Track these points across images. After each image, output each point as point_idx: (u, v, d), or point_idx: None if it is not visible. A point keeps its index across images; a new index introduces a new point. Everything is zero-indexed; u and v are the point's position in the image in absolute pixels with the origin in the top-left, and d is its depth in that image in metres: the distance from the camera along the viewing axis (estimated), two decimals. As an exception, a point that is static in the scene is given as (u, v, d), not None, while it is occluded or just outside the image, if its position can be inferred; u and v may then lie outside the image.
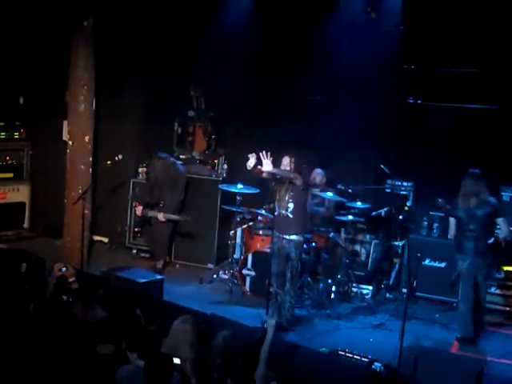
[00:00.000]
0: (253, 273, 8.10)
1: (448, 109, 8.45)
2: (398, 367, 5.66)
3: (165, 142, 9.72)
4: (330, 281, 8.25)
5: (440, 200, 7.44)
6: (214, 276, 8.79)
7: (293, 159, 7.26)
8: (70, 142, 9.06)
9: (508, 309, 7.96)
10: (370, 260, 8.76)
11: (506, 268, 7.89)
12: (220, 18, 9.00)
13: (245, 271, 8.15)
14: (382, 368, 5.39)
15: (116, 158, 8.59)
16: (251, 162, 6.99)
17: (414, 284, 7.73)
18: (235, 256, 8.78)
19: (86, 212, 8.75)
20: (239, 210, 8.57)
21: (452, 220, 7.30)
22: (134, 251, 9.77)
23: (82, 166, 9.02)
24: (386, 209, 8.61)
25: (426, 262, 8.26)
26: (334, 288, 8.19)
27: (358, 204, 8.37)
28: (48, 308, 5.55)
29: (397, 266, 8.61)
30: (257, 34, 8.92)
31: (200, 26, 9.21)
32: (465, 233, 7.06)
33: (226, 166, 9.55)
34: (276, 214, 7.32)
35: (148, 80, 9.85)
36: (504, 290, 7.97)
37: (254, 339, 5.31)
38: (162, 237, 8.98)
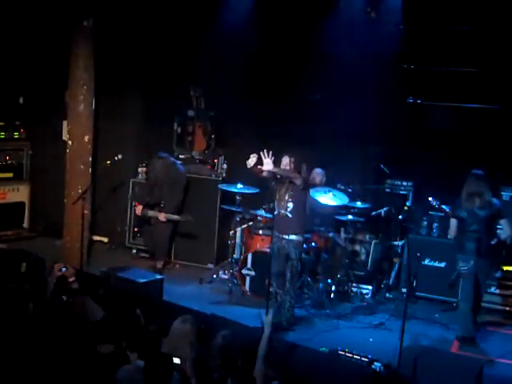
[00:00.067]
0: (253, 273, 8.10)
1: (448, 109, 8.45)
2: (398, 367, 5.66)
3: (164, 142, 9.72)
4: (329, 281, 8.25)
5: (431, 199, 7.46)
6: (214, 276, 8.79)
7: (292, 159, 7.26)
8: (70, 142, 9.06)
9: (507, 308, 7.96)
10: (369, 260, 8.76)
11: (505, 268, 7.89)
12: (220, 17, 9.00)
13: (245, 271, 8.15)
14: (382, 368, 5.39)
15: (116, 158, 8.59)
16: (252, 160, 7.00)
17: (414, 284, 7.73)
18: (235, 256, 8.78)
19: (86, 212, 8.75)
20: (239, 210, 8.57)
21: (453, 221, 7.29)
22: (134, 251, 9.77)
23: (82, 166, 9.02)
24: (385, 209, 8.61)
25: (426, 261, 8.27)
26: (333, 288, 8.19)
27: (358, 204, 8.38)
28: (48, 308, 5.54)
29: (397, 265, 8.61)
30: (257, 34, 8.92)
31: (200, 25, 9.22)
32: (467, 233, 7.05)
33: (225, 166, 9.55)
34: (275, 213, 7.32)
35: (148, 80, 9.85)
36: (503, 289, 7.98)
37: (253, 339, 5.30)
38: (162, 237, 8.98)
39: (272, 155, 6.97)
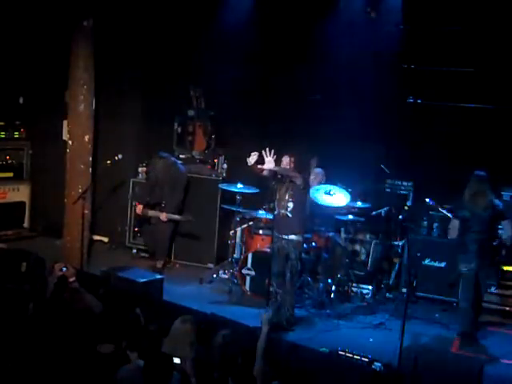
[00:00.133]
0: (253, 272, 8.10)
1: (448, 109, 8.45)
2: (398, 367, 5.66)
3: (165, 142, 9.72)
4: (329, 280, 8.25)
5: (428, 200, 7.47)
6: (214, 276, 8.79)
7: (292, 159, 7.27)
8: (70, 142, 9.06)
9: (507, 309, 7.96)
10: (369, 260, 8.76)
11: (506, 268, 7.90)
12: (220, 17, 9.01)
13: (245, 271, 8.15)
14: (382, 368, 5.39)
15: (116, 158, 8.59)
16: (252, 158, 7.00)
17: (414, 284, 7.74)
18: (235, 256, 8.78)
19: (86, 212, 8.75)
20: (239, 210, 8.57)
21: (455, 221, 7.29)
22: (134, 251, 9.77)
23: (82, 166, 9.02)
24: (385, 209, 8.61)
25: (426, 261, 8.27)
26: (333, 288, 8.18)
27: (358, 204, 8.38)
28: (48, 308, 5.55)
29: (397, 265, 8.61)
30: (257, 34, 8.93)
31: (200, 25, 9.22)
32: (469, 234, 7.06)
33: (225, 166, 9.55)
34: (275, 213, 7.32)
35: (148, 80, 9.85)
36: (503, 289, 7.98)
37: (253, 339, 5.30)
38: (162, 237, 8.99)
39: (274, 154, 6.96)
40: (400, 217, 8.55)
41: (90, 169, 9.13)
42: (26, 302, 5.59)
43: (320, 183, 8.39)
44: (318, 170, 8.49)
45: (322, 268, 8.39)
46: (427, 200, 7.51)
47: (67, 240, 9.07)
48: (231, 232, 8.95)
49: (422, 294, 8.26)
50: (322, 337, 7.10)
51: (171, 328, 4.88)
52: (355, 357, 5.54)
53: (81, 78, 8.90)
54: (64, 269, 6.01)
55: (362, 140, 8.64)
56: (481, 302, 7.34)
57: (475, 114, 8.29)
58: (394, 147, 8.75)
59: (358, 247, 8.89)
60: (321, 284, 8.21)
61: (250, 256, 8.16)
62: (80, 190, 8.63)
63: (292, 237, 7.21)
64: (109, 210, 9.93)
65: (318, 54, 8.76)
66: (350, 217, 8.33)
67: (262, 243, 8.30)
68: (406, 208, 8.57)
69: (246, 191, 8.40)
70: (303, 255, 7.68)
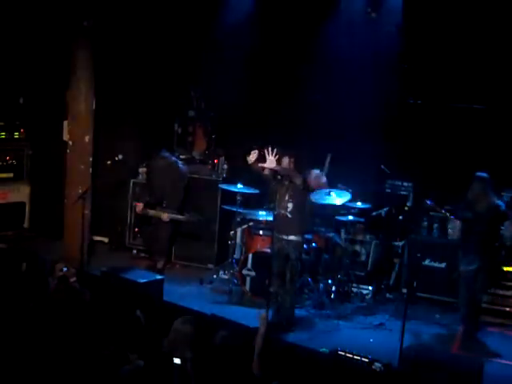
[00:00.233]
0: (253, 273, 8.10)
1: (448, 109, 8.45)
2: (398, 367, 5.66)
3: (165, 142, 9.72)
4: (330, 281, 8.25)
5: (428, 201, 7.47)
6: (215, 276, 8.79)
7: (292, 159, 7.27)
8: (70, 142, 9.06)
9: (508, 309, 7.96)
10: (369, 260, 8.75)
11: (506, 268, 7.90)
12: (220, 18, 9.01)
13: (245, 271, 8.15)
14: (382, 368, 5.39)
15: (116, 158, 8.59)
16: (252, 156, 7.00)
17: (414, 284, 7.73)
18: (235, 256, 8.78)
19: (86, 212, 8.75)
20: (239, 211, 8.56)
21: (457, 222, 7.29)
22: (134, 251, 9.77)
23: (82, 166, 9.02)
24: (385, 209, 8.61)
25: (426, 262, 8.26)
26: (333, 288, 8.18)
27: (358, 204, 8.37)
28: (48, 308, 5.55)
29: (397, 266, 8.61)
30: (257, 35, 8.93)
31: (200, 26, 9.22)
32: (471, 235, 7.06)
33: (226, 166, 9.55)
34: (276, 213, 7.32)
35: (148, 80, 9.85)
36: (503, 289, 7.97)
37: (253, 339, 5.30)
38: (162, 237, 8.96)
39: (276, 153, 6.96)
40: (400, 217, 8.55)
41: (90, 169, 9.13)
42: (26, 302, 5.60)
43: (319, 186, 8.37)
44: (317, 171, 8.44)
45: (322, 268, 8.38)
46: (427, 201, 7.50)
47: (67, 240, 9.07)
48: (231, 232, 8.94)
49: (422, 294, 8.25)
50: (322, 337, 7.10)
51: (171, 328, 4.88)
52: (355, 357, 5.54)
53: (81, 78, 8.90)
54: (64, 269, 6.01)
55: (362, 140, 8.64)
56: (481, 303, 7.35)
57: (475, 114, 8.29)
58: (393, 147, 8.76)
59: (358, 248, 8.88)
60: (321, 284, 8.21)
61: (250, 256, 8.16)
62: (80, 190, 8.63)
63: (292, 237, 7.21)
64: (109, 211, 9.93)
65: (318, 54, 8.76)
66: (350, 217, 8.33)
67: (262, 244, 8.29)
68: (406, 208, 8.57)
69: (246, 191, 8.40)
70: (303, 256, 7.68)
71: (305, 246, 7.73)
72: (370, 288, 8.50)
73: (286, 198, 7.23)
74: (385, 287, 8.58)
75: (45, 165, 10.25)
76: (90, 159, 9.13)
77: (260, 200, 8.62)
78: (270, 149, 6.94)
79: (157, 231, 8.94)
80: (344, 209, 8.39)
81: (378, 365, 5.41)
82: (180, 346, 4.73)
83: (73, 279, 5.97)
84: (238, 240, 8.96)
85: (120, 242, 9.94)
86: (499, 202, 7.14)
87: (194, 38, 9.28)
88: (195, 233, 9.19)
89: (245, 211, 8.66)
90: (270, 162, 6.98)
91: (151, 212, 8.83)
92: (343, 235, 8.57)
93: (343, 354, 5.59)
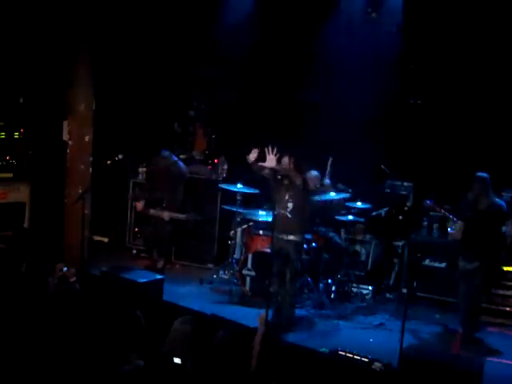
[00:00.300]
0: (253, 273, 8.10)
1: (448, 109, 8.46)
2: (398, 367, 5.66)
3: (165, 142, 9.72)
4: (330, 281, 8.25)
5: (428, 201, 7.48)
6: (215, 276, 8.79)
7: (292, 159, 7.26)
8: (70, 142, 9.06)
9: (508, 309, 7.96)
10: (369, 260, 8.76)
11: (506, 268, 7.90)
12: (221, 18, 9.02)
13: (245, 271, 8.15)
14: (382, 368, 5.39)
15: (116, 158, 8.59)
16: (252, 155, 7.00)
17: (414, 284, 7.73)
18: (235, 256, 8.78)
19: (86, 212, 8.75)
20: (239, 211, 8.56)
21: (460, 223, 7.29)
22: (134, 251, 9.77)
23: (82, 166, 9.02)
24: (385, 209, 8.62)
25: (426, 262, 8.26)
26: (334, 288, 8.19)
27: (358, 204, 8.37)
28: (48, 308, 5.55)
29: (397, 265, 8.61)
30: (257, 34, 8.95)
31: (201, 25, 9.23)
32: (472, 234, 7.06)
33: (226, 166, 9.55)
34: (275, 213, 7.32)
35: (148, 80, 9.85)
36: (503, 289, 7.98)
37: (253, 339, 5.30)
38: (162, 237, 8.97)
39: (276, 152, 6.95)
40: (400, 217, 8.55)
41: (90, 169, 9.13)
42: (26, 302, 5.59)
43: (316, 187, 8.37)
44: (315, 172, 8.45)
45: (322, 268, 8.38)
46: (427, 201, 7.51)
47: (67, 240, 9.06)
48: (231, 232, 8.94)
49: (422, 294, 8.25)
50: (321, 337, 7.10)
51: (171, 328, 4.88)
52: (355, 357, 5.54)
53: (81, 77, 8.91)
54: (64, 269, 6.01)
55: (362, 140, 8.64)
56: (481, 303, 7.35)
57: (475, 114, 8.30)
58: (394, 147, 8.76)
59: (358, 247, 8.88)
60: (321, 284, 8.21)
61: (250, 256, 8.16)
62: (80, 190, 8.63)
63: (292, 237, 7.21)
64: (109, 211, 9.93)
65: (318, 54, 8.77)
66: (350, 217, 8.33)
67: (262, 244, 8.29)
68: (406, 208, 8.57)
69: (246, 191, 8.39)
70: (303, 256, 7.68)
71: (305, 245, 7.73)
72: (370, 288, 8.50)
73: (286, 197, 7.23)
74: (385, 287, 8.58)
75: (45, 165, 10.23)
76: (90, 159, 9.14)
77: (260, 200, 8.62)
78: (270, 148, 6.94)
79: (157, 231, 8.95)
80: (344, 208, 8.40)
81: (377, 365, 5.41)
82: (180, 345, 4.74)
83: (73, 279, 5.97)
84: (238, 240, 8.96)
85: (120, 242, 9.94)
86: (501, 202, 7.15)
87: (194, 38, 9.29)
88: (195, 233, 9.19)
89: (245, 211, 8.67)
90: (271, 160, 6.97)
91: (151, 211, 8.83)
92: (343, 235, 8.57)
93: (343, 353, 5.60)
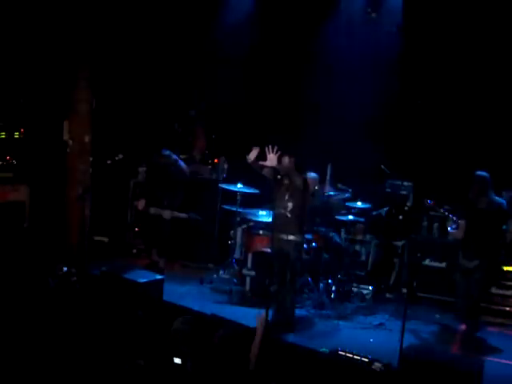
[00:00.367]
0: (253, 273, 8.09)
1: (448, 109, 8.46)
2: (398, 367, 5.66)
3: (165, 142, 9.72)
4: (330, 281, 8.25)
5: (428, 201, 7.48)
6: (215, 276, 8.79)
7: (292, 159, 7.26)
8: (70, 142, 9.06)
9: (508, 309, 7.96)
10: (369, 260, 8.76)
11: (506, 268, 7.90)
12: (221, 18, 9.02)
13: (245, 271, 8.15)
14: (382, 368, 5.39)
15: (116, 158, 8.59)
16: (252, 154, 6.99)
17: (414, 284, 7.73)
18: (235, 256, 8.78)
19: (86, 212, 8.75)
20: (239, 210, 8.57)
21: (461, 222, 7.30)
22: (134, 251, 9.77)
23: (82, 166, 9.02)
24: (385, 209, 8.62)
25: (426, 262, 8.26)
26: (334, 288, 8.18)
27: (358, 204, 8.37)
28: (49, 307, 5.55)
29: (397, 265, 8.61)
30: (258, 35, 8.94)
31: (201, 25, 9.23)
32: (473, 233, 7.07)
33: (226, 166, 9.55)
34: (275, 213, 7.32)
35: (148, 80, 9.85)
36: (503, 289, 7.98)
37: (253, 339, 5.30)
38: (163, 236, 8.97)
39: (276, 151, 6.95)
40: (400, 217, 8.55)
41: (90, 169, 9.13)
42: (27, 302, 5.60)
43: (314, 189, 8.37)
44: (313, 174, 8.44)
45: (322, 268, 8.38)
46: (427, 201, 7.51)
47: (67, 240, 9.06)
48: (231, 232, 8.94)
49: (422, 294, 8.25)
50: (322, 337, 7.10)
51: (171, 328, 4.88)
52: (355, 357, 5.55)
53: (81, 77, 8.91)
54: (64, 269, 6.01)
55: (362, 140, 8.64)
56: (481, 302, 7.35)
57: (475, 114, 8.30)
58: (393, 147, 8.76)
59: (358, 247, 8.88)
60: (321, 284, 8.21)
61: (250, 256, 8.16)
62: (80, 191, 8.63)
63: (292, 237, 7.20)
64: (109, 211, 9.93)
65: (318, 54, 8.77)
66: (350, 217, 8.33)
67: (262, 243, 8.29)
68: (406, 208, 8.57)
69: (246, 191, 8.39)
70: (303, 255, 7.67)
71: (305, 245, 7.73)
72: (370, 288, 8.49)
73: (286, 197, 7.22)
74: (385, 287, 8.58)
75: (45, 165, 10.23)
76: (90, 159, 9.14)
77: (260, 200, 8.62)
78: (270, 147, 6.93)
79: (157, 230, 8.95)
80: (344, 208, 8.40)
81: (377, 365, 5.42)
82: (180, 345, 4.74)
83: (73, 279, 5.97)
84: (238, 240, 8.96)
85: (120, 242, 9.93)
86: (501, 200, 7.15)
87: (194, 38, 9.29)
88: (195, 233, 9.19)
89: (245, 211, 8.66)
90: (271, 160, 6.96)
91: (152, 210, 8.83)
92: (343, 235, 8.58)
93: (343, 353, 5.60)
